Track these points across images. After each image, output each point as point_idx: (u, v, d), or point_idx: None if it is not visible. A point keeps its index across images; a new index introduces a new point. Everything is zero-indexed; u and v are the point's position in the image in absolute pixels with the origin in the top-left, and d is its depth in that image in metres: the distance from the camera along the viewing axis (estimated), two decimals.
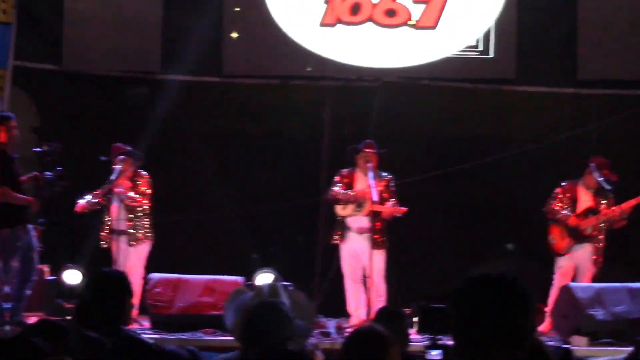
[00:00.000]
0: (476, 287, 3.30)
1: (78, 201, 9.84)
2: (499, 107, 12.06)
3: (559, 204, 9.88)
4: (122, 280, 5.01)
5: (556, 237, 9.86)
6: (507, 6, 11.99)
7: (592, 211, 9.75)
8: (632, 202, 9.60)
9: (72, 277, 8.90)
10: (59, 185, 9.15)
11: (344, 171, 10.10)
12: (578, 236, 9.75)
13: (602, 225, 9.75)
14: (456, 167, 11.65)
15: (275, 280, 9.16)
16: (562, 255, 9.79)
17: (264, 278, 9.35)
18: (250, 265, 9.99)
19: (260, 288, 6.49)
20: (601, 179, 9.62)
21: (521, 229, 11.36)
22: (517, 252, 11.76)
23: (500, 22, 12.00)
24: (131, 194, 9.81)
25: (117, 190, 9.77)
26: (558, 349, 5.03)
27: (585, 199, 9.84)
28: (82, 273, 8.91)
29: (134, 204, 9.81)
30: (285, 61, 12.21)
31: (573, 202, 9.86)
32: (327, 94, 12.02)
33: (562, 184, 9.99)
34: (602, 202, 9.76)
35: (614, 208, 9.66)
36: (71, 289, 8.91)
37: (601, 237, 9.77)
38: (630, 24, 11.90)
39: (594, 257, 9.73)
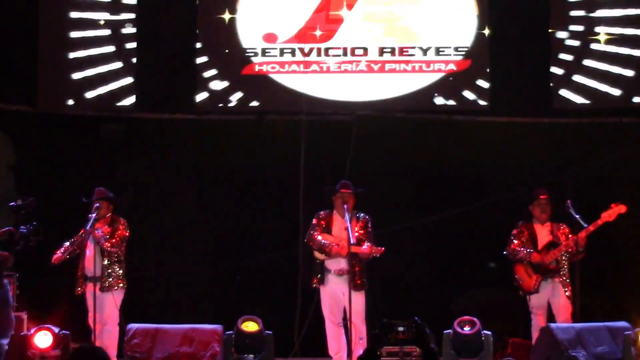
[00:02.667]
0: None
1: (55, 253, 9.76)
2: (475, 138, 12.01)
3: (518, 243, 9.90)
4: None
5: (523, 276, 9.87)
6: (479, 37, 12.01)
7: (553, 245, 9.77)
8: (583, 232, 9.59)
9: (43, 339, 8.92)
10: (33, 240, 9.08)
11: (322, 213, 10.00)
12: (544, 271, 9.75)
13: (564, 258, 9.75)
14: (434, 202, 11.73)
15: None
16: (532, 293, 9.77)
17: (248, 325, 9.27)
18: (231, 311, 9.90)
19: None
20: (577, 215, 9.63)
21: (503, 260, 11.40)
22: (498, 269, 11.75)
23: (473, 53, 12.02)
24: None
25: (97, 233, 9.67)
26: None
27: (543, 234, 9.89)
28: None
29: (114, 249, 9.71)
30: (260, 96, 12.21)
31: (532, 239, 9.90)
32: (303, 128, 11.95)
33: (518, 223, 10.00)
34: (560, 234, 9.79)
35: (572, 237, 9.67)
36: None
37: (566, 268, 9.74)
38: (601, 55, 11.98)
39: (567, 292, 9.69)
